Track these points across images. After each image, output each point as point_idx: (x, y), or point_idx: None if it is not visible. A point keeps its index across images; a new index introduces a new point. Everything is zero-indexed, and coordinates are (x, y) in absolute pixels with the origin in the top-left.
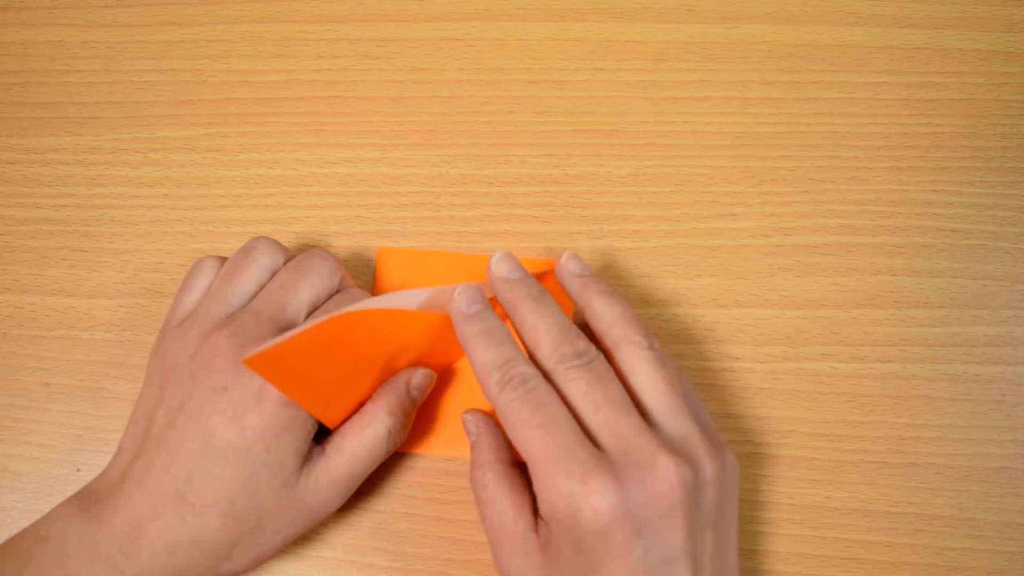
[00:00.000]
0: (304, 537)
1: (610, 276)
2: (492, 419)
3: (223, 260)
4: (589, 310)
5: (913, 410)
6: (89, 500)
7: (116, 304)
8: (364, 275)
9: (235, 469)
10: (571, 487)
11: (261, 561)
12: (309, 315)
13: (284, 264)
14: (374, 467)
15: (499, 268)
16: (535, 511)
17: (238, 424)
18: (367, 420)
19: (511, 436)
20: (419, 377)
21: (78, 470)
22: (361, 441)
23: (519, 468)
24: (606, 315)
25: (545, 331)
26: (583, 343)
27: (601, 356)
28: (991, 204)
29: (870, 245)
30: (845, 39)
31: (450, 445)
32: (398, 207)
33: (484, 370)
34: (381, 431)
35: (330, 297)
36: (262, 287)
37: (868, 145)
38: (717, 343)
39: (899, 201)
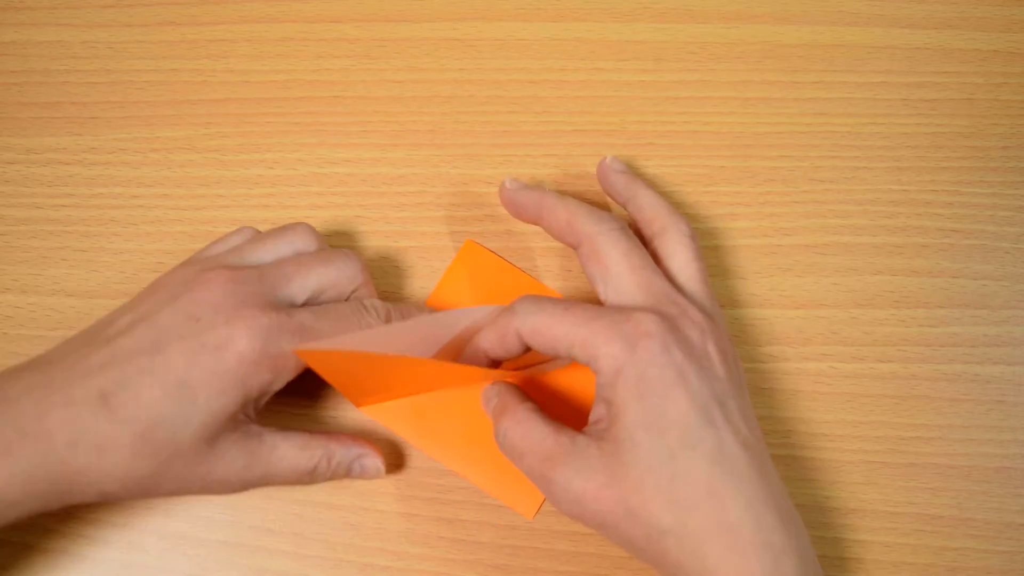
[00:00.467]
0: (304, 536)
1: None
2: (512, 386)
3: (258, 232)
4: (635, 201)
5: (913, 410)
6: (2, 376)
7: (116, 304)
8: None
9: (167, 399)
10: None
11: (140, 498)
12: (308, 300)
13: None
14: (287, 484)
15: (512, 185)
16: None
17: (191, 359)
18: (310, 445)
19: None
20: (370, 464)
21: None
22: (293, 458)
23: (533, 408)
24: (653, 205)
25: (577, 207)
26: (614, 216)
27: (629, 228)
28: (991, 204)
29: (870, 245)
30: (845, 39)
31: (454, 456)
32: (398, 207)
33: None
34: (311, 465)
35: (341, 297)
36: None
37: (868, 145)
38: None
39: (899, 201)
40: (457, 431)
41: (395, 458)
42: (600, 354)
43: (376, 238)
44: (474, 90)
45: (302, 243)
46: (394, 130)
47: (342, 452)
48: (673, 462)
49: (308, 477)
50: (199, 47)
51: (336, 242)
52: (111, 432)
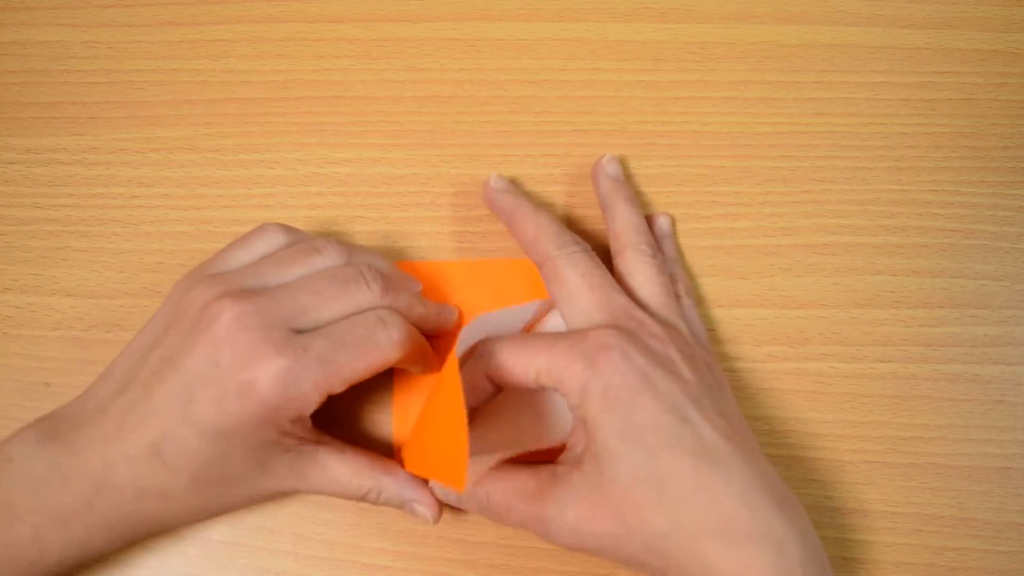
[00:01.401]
0: (304, 536)
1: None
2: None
3: (290, 233)
4: (611, 211)
5: (913, 410)
6: (62, 426)
7: (116, 304)
8: None
9: (210, 446)
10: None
11: (220, 514)
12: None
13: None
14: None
15: (496, 184)
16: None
17: (219, 407)
18: (363, 474)
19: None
20: (423, 511)
21: None
22: (342, 481)
23: (507, 462)
24: (625, 221)
25: (546, 225)
26: (578, 238)
27: (591, 250)
28: (991, 204)
29: (870, 245)
30: (845, 39)
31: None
32: (398, 207)
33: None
34: (359, 493)
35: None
36: None
37: (868, 145)
38: (717, 343)
39: (899, 201)
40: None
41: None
42: (564, 377)
43: (376, 238)
44: (474, 90)
45: (327, 262)
46: (394, 130)
47: (394, 489)
48: (656, 463)
49: (356, 499)
50: (199, 47)
51: None
52: (170, 480)
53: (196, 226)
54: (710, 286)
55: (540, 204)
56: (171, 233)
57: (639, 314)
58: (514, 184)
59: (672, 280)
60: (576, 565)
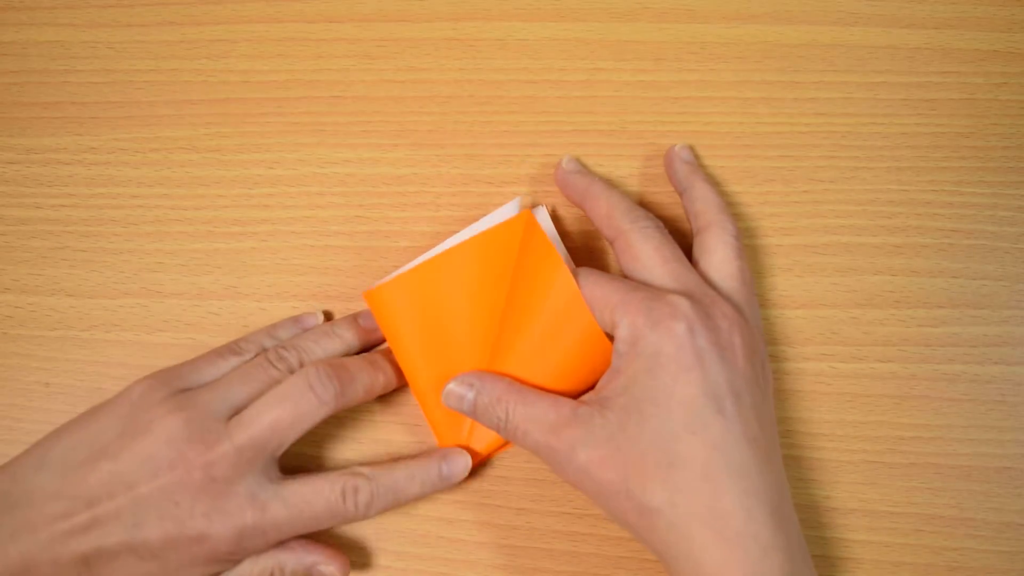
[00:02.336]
0: (304, 537)
1: None
2: (492, 374)
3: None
4: (691, 191)
5: (913, 410)
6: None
7: (116, 304)
8: (365, 274)
9: (143, 568)
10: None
11: None
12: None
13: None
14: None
15: (569, 165)
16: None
17: (169, 543)
18: (260, 561)
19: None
20: (328, 570)
21: None
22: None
23: (531, 386)
24: (705, 199)
25: (619, 201)
26: (649, 214)
27: (663, 226)
28: (991, 204)
29: (870, 245)
30: (845, 39)
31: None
32: (398, 207)
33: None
34: (264, 574)
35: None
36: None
37: (868, 145)
38: None
39: (899, 201)
40: (444, 356)
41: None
42: (623, 322)
43: (376, 238)
44: (474, 90)
45: (245, 357)
46: (394, 130)
47: (294, 561)
48: (676, 443)
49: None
50: (199, 47)
51: (336, 242)
52: None
53: (196, 226)
54: None
55: (611, 183)
56: (171, 233)
57: (711, 292)
58: (584, 165)
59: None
60: (576, 565)
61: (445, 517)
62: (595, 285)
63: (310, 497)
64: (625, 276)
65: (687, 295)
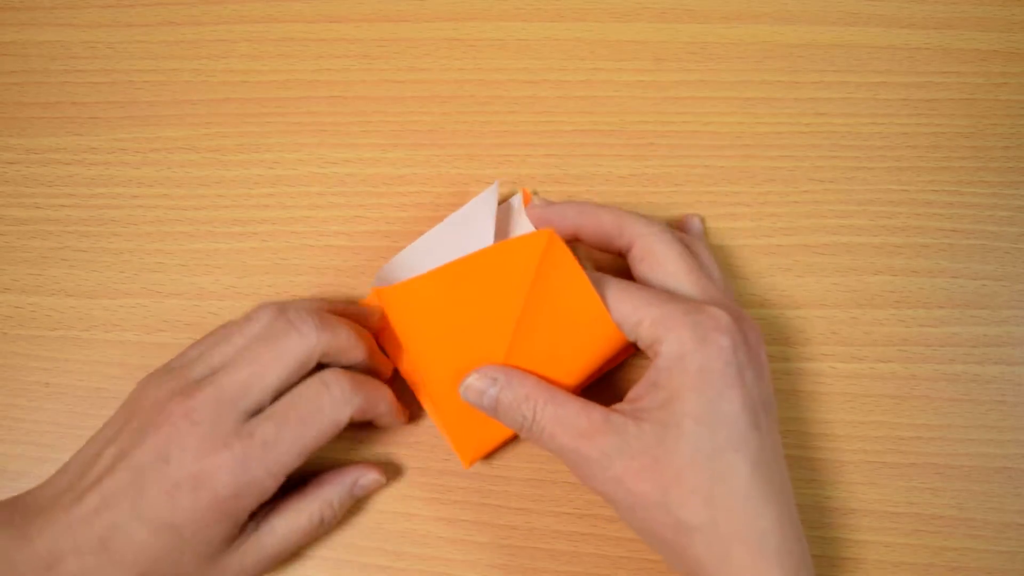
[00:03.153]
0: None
1: None
2: (517, 371)
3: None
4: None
5: (913, 410)
6: (17, 514)
7: (116, 304)
8: (365, 274)
9: (159, 540)
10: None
11: None
12: (276, 395)
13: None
14: (303, 547)
15: (539, 201)
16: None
17: (171, 501)
18: (304, 506)
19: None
20: (367, 479)
21: None
22: (295, 525)
23: (560, 388)
24: (623, 215)
25: (622, 211)
26: (659, 221)
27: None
28: (991, 204)
29: (870, 245)
30: (845, 39)
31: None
32: (398, 207)
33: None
34: (315, 519)
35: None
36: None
37: (868, 145)
38: None
39: (899, 201)
40: (447, 354)
41: (395, 458)
42: (667, 337)
43: (376, 238)
44: (474, 90)
45: (260, 323)
46: (394, 130)
47: (338, 490)
48: (718, 460)
49: (321, 530)
50: (199, 47)
51: (336, 242)
52: (118, 574)
53: (196, 226)
54: None
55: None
56: (171, 233)
57: (733, 303)
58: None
59: None
60: (576, 565)
61: (445, 517)
62: (622, 299)
63: (290, 403)
64: (643, 283)
65: (724, 307)
